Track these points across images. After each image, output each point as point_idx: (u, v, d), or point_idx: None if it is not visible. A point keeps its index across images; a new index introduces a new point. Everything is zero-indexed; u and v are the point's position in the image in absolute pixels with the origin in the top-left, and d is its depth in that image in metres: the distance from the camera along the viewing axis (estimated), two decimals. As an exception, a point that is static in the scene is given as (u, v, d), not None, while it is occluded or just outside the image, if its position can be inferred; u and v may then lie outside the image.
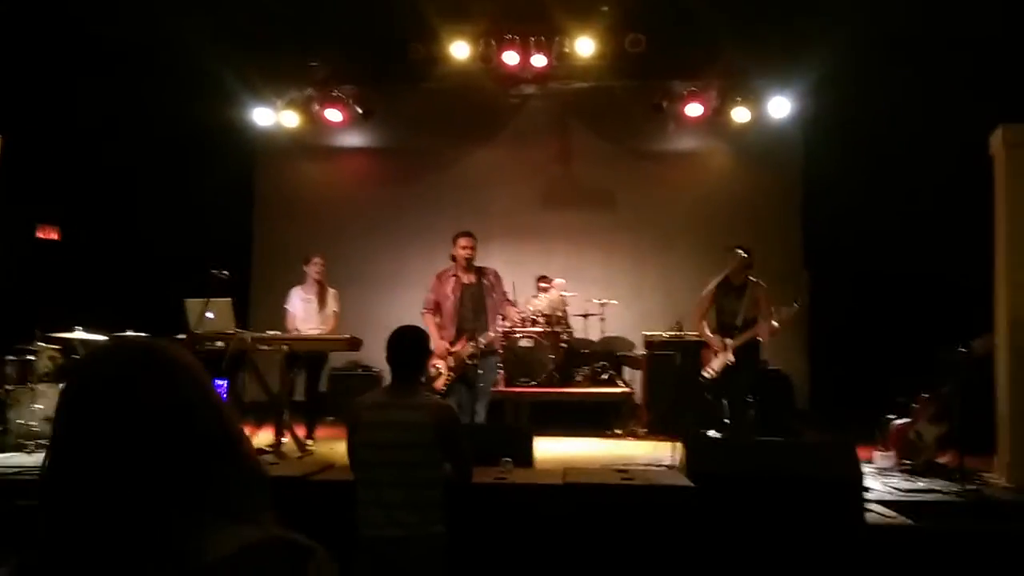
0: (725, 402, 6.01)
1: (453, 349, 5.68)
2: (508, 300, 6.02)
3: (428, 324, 5.73)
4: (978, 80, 6.74)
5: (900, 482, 5.02)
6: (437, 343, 5.51)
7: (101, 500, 0.95)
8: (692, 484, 3.60)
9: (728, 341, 5.93)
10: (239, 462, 1.05)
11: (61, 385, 6.15)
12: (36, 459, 5.53)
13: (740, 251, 5.96)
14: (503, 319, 5.82)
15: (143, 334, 6.45)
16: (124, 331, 6.41)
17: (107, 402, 1.00)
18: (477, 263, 5.90)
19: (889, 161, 7.91)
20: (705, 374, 6.01)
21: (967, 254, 6.00)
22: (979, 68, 6.77)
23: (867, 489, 4.35)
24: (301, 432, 6.34)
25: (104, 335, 6.48)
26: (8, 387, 6.10)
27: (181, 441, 1.00)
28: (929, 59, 7.21)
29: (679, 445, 4.57)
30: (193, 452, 1.00)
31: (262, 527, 1.00)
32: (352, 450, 3.24)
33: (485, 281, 5.88)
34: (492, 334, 5.74)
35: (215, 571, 0.93)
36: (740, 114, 8.91)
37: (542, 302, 6.15)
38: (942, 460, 5.34)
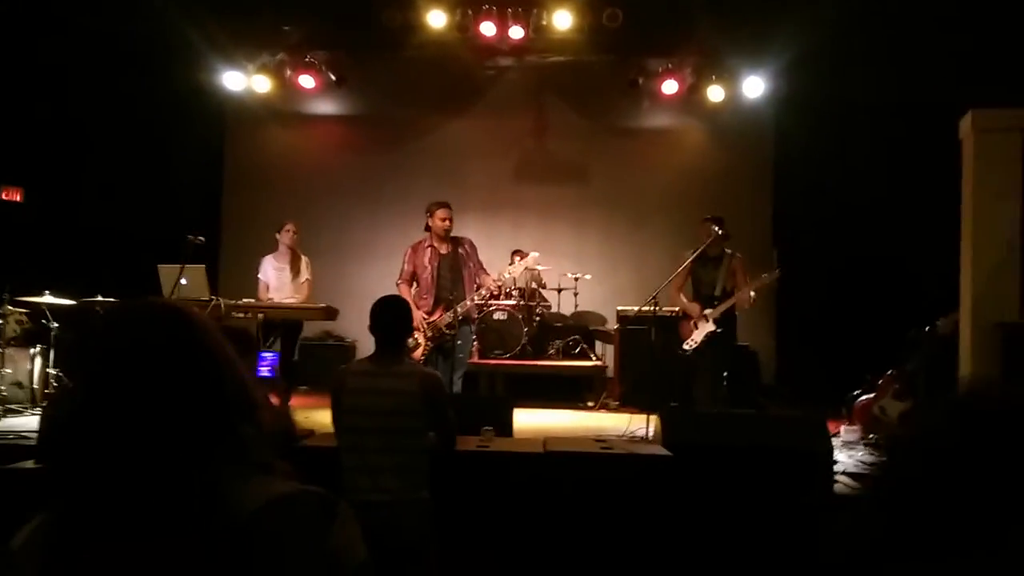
0: (702, 377, 6.06)
1: (430, 319, 5.71)
2: (483, 269, 6.05)
3: (403, 295, 5.73)
4: (950, 63, 6.86)
5: (865, 455, 5.19)
6: (414, 313, 5.52)
7: (135, 451, 0.97)
8: (671, 454, 3.70)
9: (708, 311, 5.99)
10: (257, 416, 1.08)
11: (37, 349, 6.07)
12: (7, 424, 5.46)
13: (712, 225, 6.03)
14: (479, 288, 5.86)
15: (113, 300, 6.38)
16: (94, 296, 6.34)
17: (142, 357, 1.02)
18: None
19: (859, 142, 8.05)
20: (686, 347, 6.05)
21: (934, 235, 6.15)
22: (951, 51, 6.89)
23: (836, 461, 4.50)
24: (276, 401, 6.31)
25: (73, 300, 6.38)
26: (-25, 351, 5.99)
27: (209, 395, 1.03)
28: (901, 42, 7.33)
29: (654, 417, 4.66)
30: (219, 406, 1.03)
31: (285, 480, 1.03)
32: (337, 417, 3.26)
33: (461, 250, 5.91)
34: (469, 303, 5.77)
35: (251, 522, 0.95)
36: (715, 93, 8.97)
37: (517, 268, 6.19)
38: (904, 434, 5.51)
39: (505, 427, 4.43)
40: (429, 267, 5.81)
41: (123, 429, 0.98)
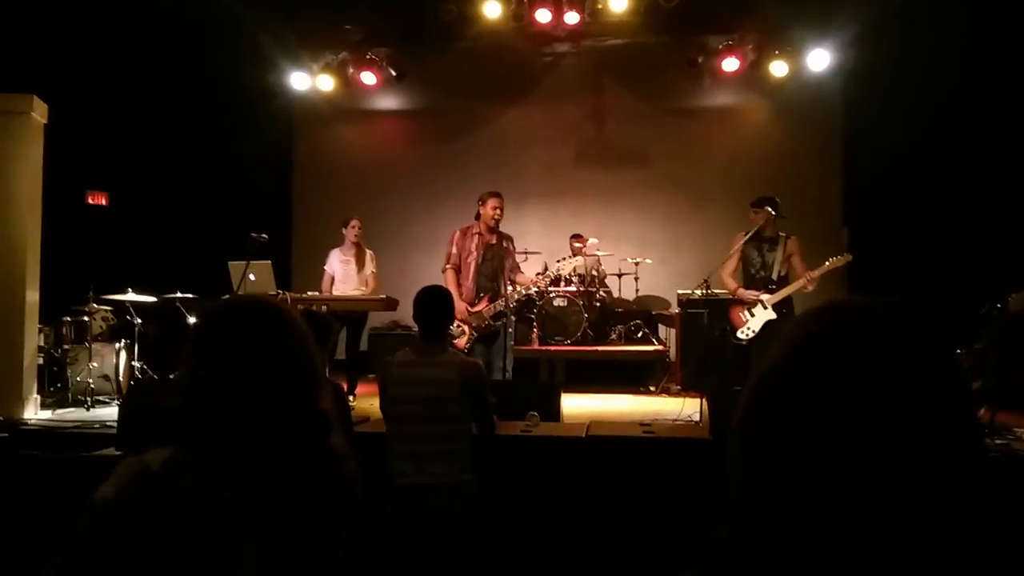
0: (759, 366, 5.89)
1: (474, 309, 5.78)
2: (519, 268, 6.16)
3: (449, 282, 5.79)
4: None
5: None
6: (457, 303, 5.43)
7: (245, 414, 1.25)
8: (710, 437, 3.70)
9: (765, 297, 5.77)
10: (322, 394, 1.37)
11: (122, 343, 6.48)
12: (94, 414, 5.87)
13: (766, 205, 5.86)
14: (518, 285, 5.92)
15: (191, 296, 6.75)
16: (173, 293, 6.72)
17: (245, 345, 1.29)
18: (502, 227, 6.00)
19: (932, 115, 7.70)
20: (741, 335, 5.84)
21: (1010, 210, 5.88)
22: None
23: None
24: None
25: (154, 297, 6.78)
26: (66, 346, 6.44)
27: (293, 373, 1.31)
28: (973, 9, 6.99)
29: (704, 401, 4.65)
30: (301, 387, 1.31)
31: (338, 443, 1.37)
32: (384, 406, 3.41)
33: (505, 244, 5.97)
34: (514, 294, 5.81)
35: (321, 465, 1.30)
36: (778, 68, 8.75)
37: (567, 267, 6.15)
38: (975, 415, 5.31)
39: (552, 412, 4.50)
40: (475, 253, 5.86)
41: (235, 396, 1.25)
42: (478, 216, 5.95)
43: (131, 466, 1.20)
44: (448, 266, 5.96)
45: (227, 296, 6.44)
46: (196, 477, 1.19)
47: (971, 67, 7.20)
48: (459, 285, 5.84)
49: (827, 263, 5.70)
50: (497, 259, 5.88)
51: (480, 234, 5.91)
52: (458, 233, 6.01)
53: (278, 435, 1.25)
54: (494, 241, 5.93)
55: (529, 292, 6.09)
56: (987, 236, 7.03)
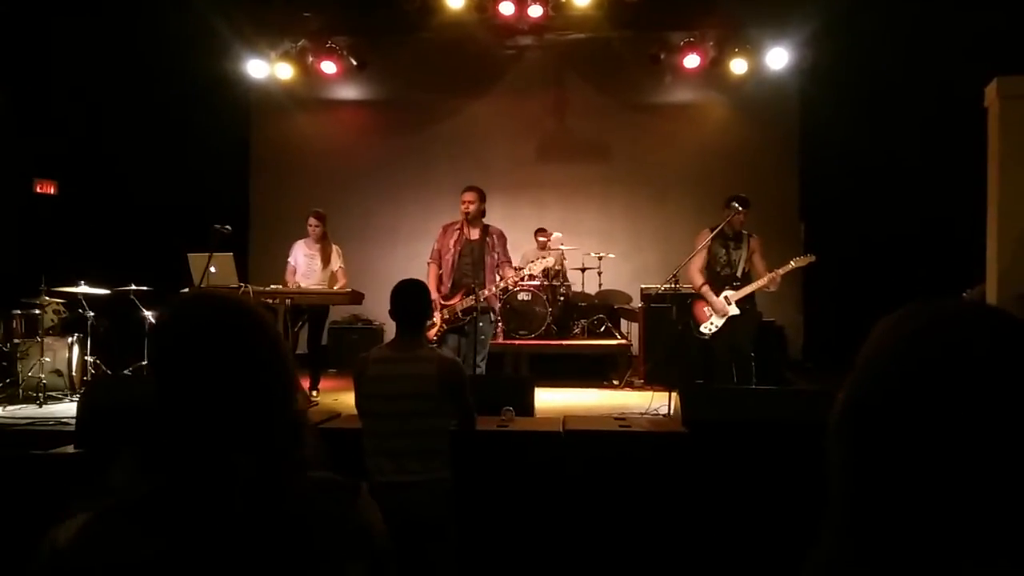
0: (723, 359, 5.94)
1: (448, 303, 5.76)
2: (508, 262, 6.07)
3: (430, 275, 5.88)
4: (975, 30, 6.71)
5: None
6: (432, 294, 5.50)
7: (193, 433, 1.05)
8: (686, 430, 3.73)
9: (729, 294, 5.89)
10: (293, 409, 1.16)
11: (74, 337, 6.26)
12: (47, 411, 5.66)
13: (736, 204, 5.95)
14: (500, 279, 5.89)
15: (146, 288, 6.56)
16: (127, 285, 6.52)
17: (202, 346, 1.10)
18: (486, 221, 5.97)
19: (886, 112, 7.92)
20: (704, 330, 5.96)
21: (962, 205, 6.05)
22: (977, 18, 6.74)
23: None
24: (305, 384, 6.46)
25: (107, 289, 6.56)
26: (16, 340, 6.20)
27: (255, 385, 1.10)
28: (926, 8, 7.18)
29: (674, 394, 4.69)
30: (263, 396, 1.10)
31: (310, 469, 1.11)
32: (359, 403, 3.35)
33: (488, 239, 5.94)
34: (488, 292, 5.80)
35: (290, 504, 1.05)
36: (737, 65, 8.88)
37: (538, 266, 6.14)
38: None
39: (526, 407, 4.49)
40: (453, 249, 5.87)
41: (194, 410, 1.06)
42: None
43: (40, 550, 1.02)
44: (430, 260, 6.05)
45: (188, 290, 6.28)
46: (113, 549, 0.99)
47: (921, 65, 7.40)
48: (439, 280, 5.86)
49: (791, 263, 5.82)
50: (477, 254, 5.85)
51: (461, 229, 5.90)
52: (441, 230, 6.07)
53: (245, 476, 1.04)
54: (476, 236, 5.89)
55: (500, 287, 6.06)
56: (939, 230, 7.24)
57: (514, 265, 6.16)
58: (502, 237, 6.04)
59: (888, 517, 0.70)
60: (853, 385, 0.77)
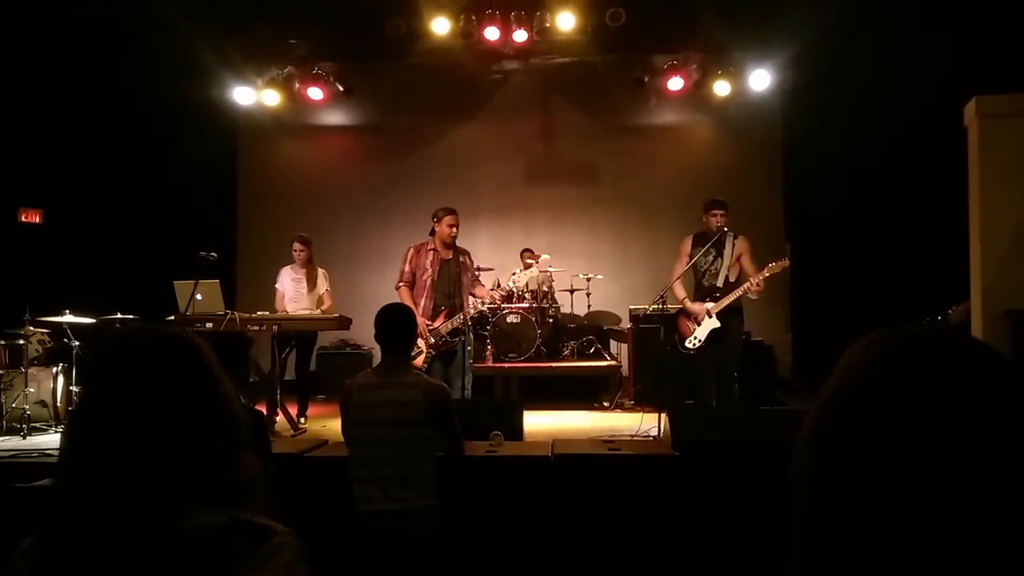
0: (707, 375, 5.89)
1: (433, 326, 5.73)
2: (479, 281, 6.10)
3: (404, 298, 5.68)
4: (955, 51, 6.82)
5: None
6: (417, 320, 5.43)
7: (109, 474, 1.02)
8: (676, 453, 3.72)
9: (709, 305, 5.81)
10: (236, 450, 1.11)
11: (59, 367, 6.18)
12: (31, 442, 5.59)
13: (708, 207, 5.89)
14: (479, 300, 5.90)
15: (132, 316, 6.51)
16: (113, 314, 6.47)
17: (130, 382, 1.07)
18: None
19: (868, 131, 8.01)
20: (689, 344, 5.91)
21: (946, 222, 6.10)
22: (957, 38, 6.85)
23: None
24: (293, 411, 6.41)
25: (92, 318, 6.51)
26: (0, 371, 6.14)
27: (191, 423, 1.07)
28: (907, 30, 7.29)
29: (664, 415, 4.68)
30: (198, 435, 1.07)
31: (237, 512, 1.04)
32: (345, 429, 3.32)
33: (462, 259, 5.95)
34: (472, 311, 5.80)
35: (171, 546, 0.99)
36: (721, 87, 8.98)
37: (521, 280, 6.17)
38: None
39: (515, 431, 4.47)
40: (430, 270, 5.81)
41: (113, 448, 1.03)
42: (433, 232, 5.91)
43: None
44: (401, 283, 5.89)
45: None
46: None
47: (901, 85, 7.50)
48: (415, 303, 5.76)
49: (765, 271, 5.71)
50: (454, 274, 5.85)
51: (435, 250, 5.87)
52: (412, 250, 5.95)
53: (153, 515, 1.00)
54: (450, 256, 5.89)
55: (482, 309, 6.06)
56: (924, 248, 7.29)
57: (499, 284, 6.18)
58: (471, 258, 6.09)
59: (854, 543, 0.69)
60: (821, 410, 0.76)
